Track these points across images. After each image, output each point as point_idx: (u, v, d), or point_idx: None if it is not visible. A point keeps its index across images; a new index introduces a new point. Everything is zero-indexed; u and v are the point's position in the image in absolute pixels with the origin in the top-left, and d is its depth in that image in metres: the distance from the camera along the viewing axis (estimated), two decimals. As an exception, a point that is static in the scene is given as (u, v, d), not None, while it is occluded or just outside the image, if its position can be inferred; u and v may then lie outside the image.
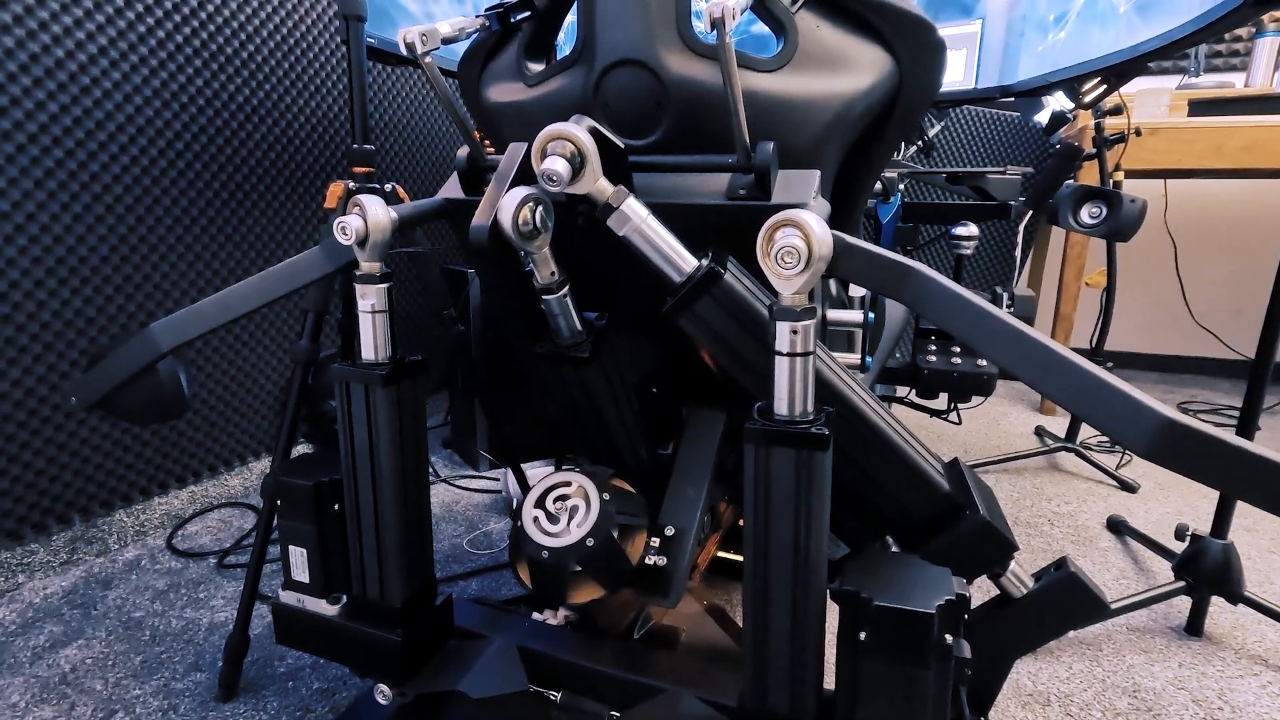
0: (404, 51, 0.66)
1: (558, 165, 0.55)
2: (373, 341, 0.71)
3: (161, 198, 1.44)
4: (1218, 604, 1.17)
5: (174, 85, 1.43)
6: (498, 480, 1.69)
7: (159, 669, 1.04)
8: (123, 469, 1.43)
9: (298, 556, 0.77)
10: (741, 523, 0.61)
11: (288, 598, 0.78)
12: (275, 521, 0.82)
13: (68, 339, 1.32)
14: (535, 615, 0.85)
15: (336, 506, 0.77)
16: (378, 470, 0.73)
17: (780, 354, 0.54)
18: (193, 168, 1.48)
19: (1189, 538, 1.17)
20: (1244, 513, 1.55)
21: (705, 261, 0.60)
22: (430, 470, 1.73)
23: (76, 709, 0.96)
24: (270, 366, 1.72)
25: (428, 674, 0.77)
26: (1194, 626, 1.15)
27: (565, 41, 0.80)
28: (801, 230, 0.52)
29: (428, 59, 0.67)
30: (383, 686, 0.78)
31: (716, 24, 0.55)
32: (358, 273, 0.69)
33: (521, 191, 0.61)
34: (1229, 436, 0.44)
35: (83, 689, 1.00)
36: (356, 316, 0.73)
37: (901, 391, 1.65)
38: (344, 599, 0.78)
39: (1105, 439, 1.96)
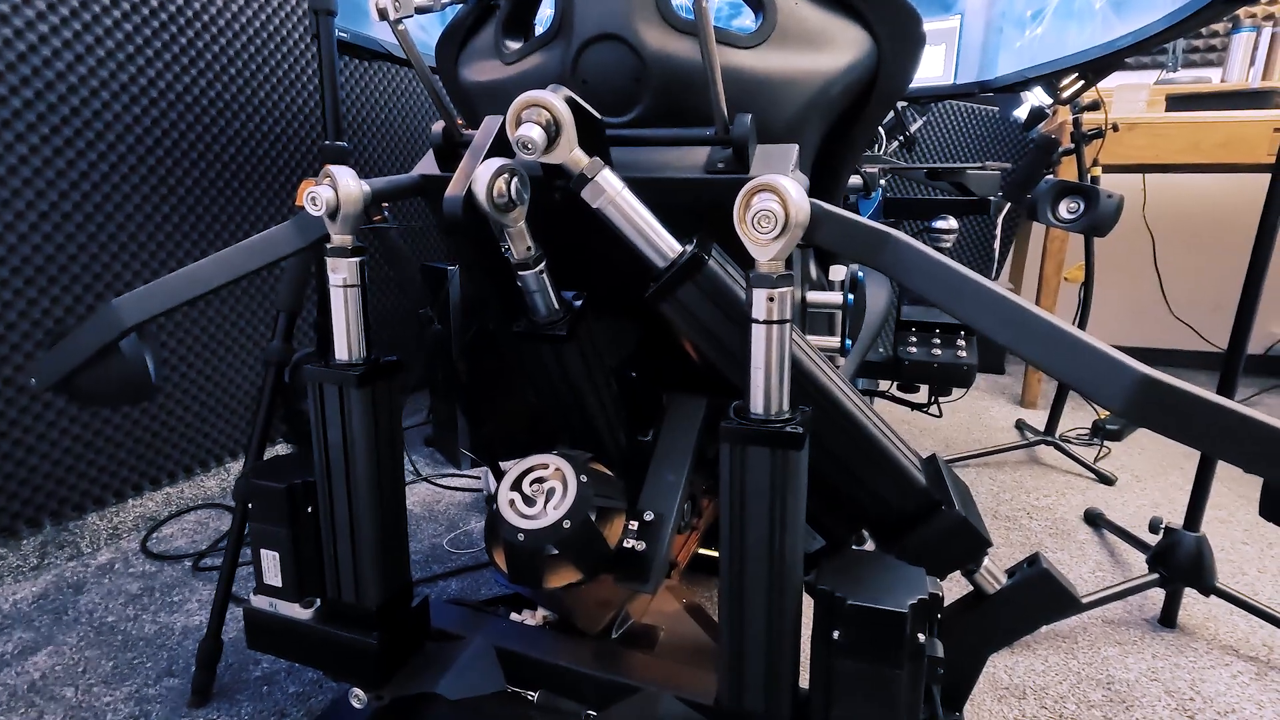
0: (375, 17, 0.65)
1: (533, 133, 0.55)
2: (345, 329, 0.70)
3: (131, 195, 1.41)
4: (1191, 595, 1.18)
5: (142, 80, 1.40)
6: (479, 479, 1.68)
7: (131, 675, 1.03)
8: (95, 470, 1.41)
9: (270, 560, 0.76)
10: (720, 520, 0.60)
11: (260, 602, 0.77)
12: (247, 524, 0.81)
13: (35, 339, 1.29)
14: (514, 616, 0.85)
15: (310, 509, 0.76)
16: (352, 472, 0.71)
17: (757, 322, 0.54)
18: (163, 164, 1.46)
19: (1163, 530, 1.19)
20: (1217, 505, 1.57)
21: (689, 247, 0.60)
22: (411, 469, 1.72)
23: (46, 717, 0.95)
24: (248, 366, 1.70)
25: (404, 676, 0.76)
26: (1167, 618, 1.16)
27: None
28: (778, 195, 0.51)
29: (401, 26, 0.66)
30: (358, 690, 0.77)
31: None
32: (329, 245, 0.68)
33: (496, 162, 0.60)
34: (1209, 394, 0.44)
35: (52, 696, 0.98)
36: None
37: (883, 386, 1.66)
38: (318, 602, 0.77)
39: (1084, 432, 1.98)
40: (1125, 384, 0.45)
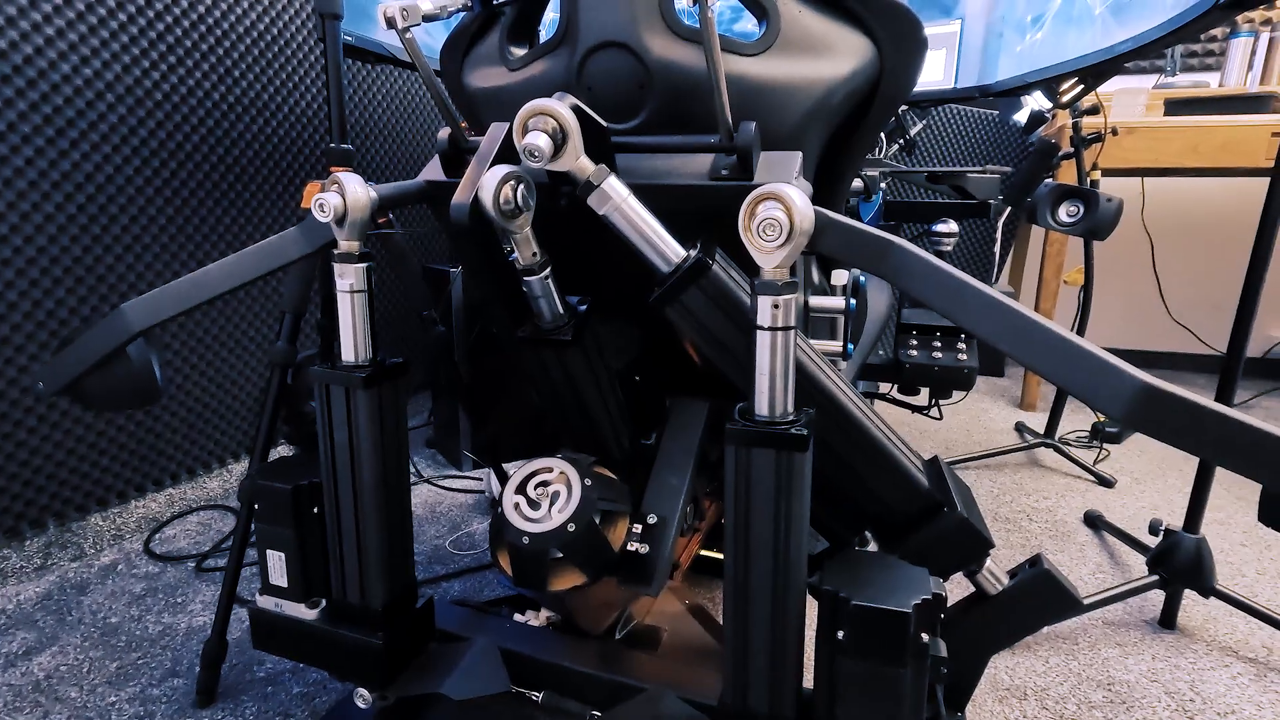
0: (383, 26, 0.66)
1: (539, 140, 0.55)
2: (352, 333, 0.70)
3: (136, 197, 1.41)
4: (1190, 597, 1.19)
5: (147, 83, 1.40)
6: (481, 480, 1.68)
7: (135, 675, 1.03)
8: (98, 472, 1.41)
9: (275, 560, 0.77)
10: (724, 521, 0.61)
11: (265, 602, 0.78)
12: (253, 525, 0.81)
13: (40, 340, 1.29)
14: (517, 616, 0.85)
15: (315, 510, 0.76)
16: (358, 473, 0.72)
17: (761, 329, 0.54)
18: (168, 167, 1.46)
19: (1163, 532, 1.19)
20: (1216, 507, 1.58)
21: (693, 252, 0.60)
22: (413, 470, 1.72)
23: (50, 717, 0.95)
24: (250, 367, 1.70)
25: (409, 677, 0.76)
26: (1167, 619, 1.17)
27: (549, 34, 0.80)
28: (783, 203, 0.52)
29: (408, 35, 0.67)
30: (363, 690, 0.77)
31: None
32: (336, 251, 0.68)
33: (503, 169, 0.61)
34: (1207, 401, 0.44)
35: (57, 696, 0.98)
36: (335, 318, 0.72)
37: (884, 388, 1.66)
38: (323, 603, 0.77)
39: (1084, 434, 1.99)
40: (1125, 391, 0.46)
